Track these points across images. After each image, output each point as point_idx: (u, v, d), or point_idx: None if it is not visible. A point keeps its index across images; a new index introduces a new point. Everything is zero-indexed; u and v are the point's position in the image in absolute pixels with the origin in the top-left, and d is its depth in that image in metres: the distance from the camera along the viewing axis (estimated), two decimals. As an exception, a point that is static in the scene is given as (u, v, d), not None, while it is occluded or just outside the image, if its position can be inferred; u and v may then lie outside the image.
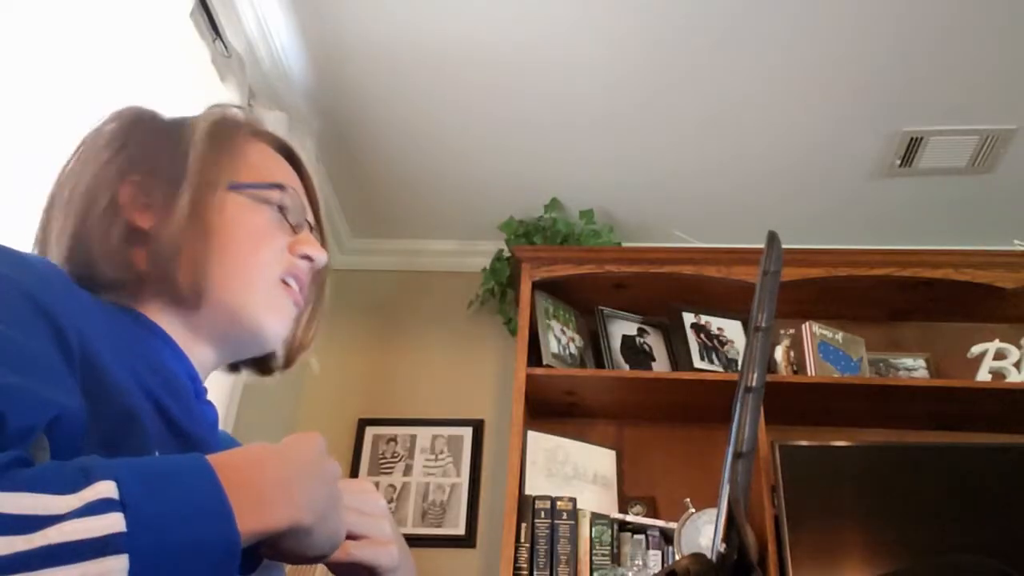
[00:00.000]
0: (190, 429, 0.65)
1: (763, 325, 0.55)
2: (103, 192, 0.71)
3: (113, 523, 0.42)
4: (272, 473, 0.51)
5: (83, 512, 0.42)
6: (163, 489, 0.46)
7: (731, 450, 0.51)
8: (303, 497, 0.52)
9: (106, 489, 0.43)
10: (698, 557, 0.54)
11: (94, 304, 0.65)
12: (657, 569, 2.04)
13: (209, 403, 0.75)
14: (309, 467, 0.55)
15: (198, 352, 0.73)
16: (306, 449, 0.56)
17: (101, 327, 0.60)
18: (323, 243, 0.84)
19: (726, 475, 0.50)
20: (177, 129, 0.76)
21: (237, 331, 0.73)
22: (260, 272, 0.74)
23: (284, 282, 0.76)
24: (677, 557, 2.00)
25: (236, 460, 0.51)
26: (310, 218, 0.82)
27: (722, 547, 0.51)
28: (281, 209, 0.77)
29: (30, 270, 0.58)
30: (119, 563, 0.41)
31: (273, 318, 0.75)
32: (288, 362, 0.86)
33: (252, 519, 0.48)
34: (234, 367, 0.85)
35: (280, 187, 0.77)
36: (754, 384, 0.52)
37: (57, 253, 0.70)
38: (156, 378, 0.64)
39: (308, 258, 0.78)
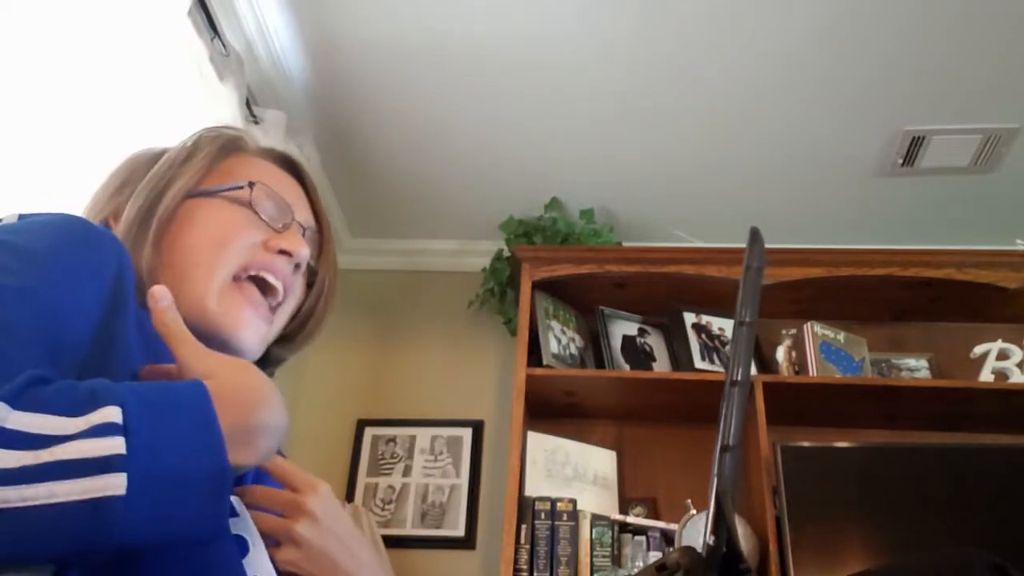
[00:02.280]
0: None
1: (747, 320, 0.54)
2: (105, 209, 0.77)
3: (115, 445, 0.45)
4: (258, 417, 0.54)
5: (89, 434, 0.45)
6: (164, 416, 0.49)
7: (718, 444, 0.50)
8: (271, 443, 0.56)
9: (112, 414, 0.47)
10: (688, 550, 0.54)
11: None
12: (657, 570, 2.03)
13: None
14: (278, 412, 0.57)
15: None
16: (271, 393, 0.58)
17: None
18: (324, 246, 0.84)
19: (714, 469, 0.50)
20: (166, 150, 0.80)
21: (198, 330, 0.71)
22: (222, 260, 0.73)
23: (244, 279, 0.74)
24: (677, 558, 1.99)
25: (234, 395, 0.54)
26: (301, 219, 0.81)
27: (711, 540, 0.50)
28: (256, 208, 0.76)
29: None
30: (118, 480, 0.45)
31: (229, 317, 0.72)
32: (279, 359, 0.85)
33: (237, 455, 0.52)
34: None
35: (250, 185, 0.76)
36: (739, 378, 0.52)
37: None
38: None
39: (286, 253, 0.76)
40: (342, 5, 1.97)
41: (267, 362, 0.83)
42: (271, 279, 0.75)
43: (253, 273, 0.74)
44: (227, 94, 1.86)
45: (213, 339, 0.71)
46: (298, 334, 0.84)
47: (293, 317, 0.82)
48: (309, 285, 0.83)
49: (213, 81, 1.82)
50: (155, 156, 0.79)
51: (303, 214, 0.82)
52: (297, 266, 0.77)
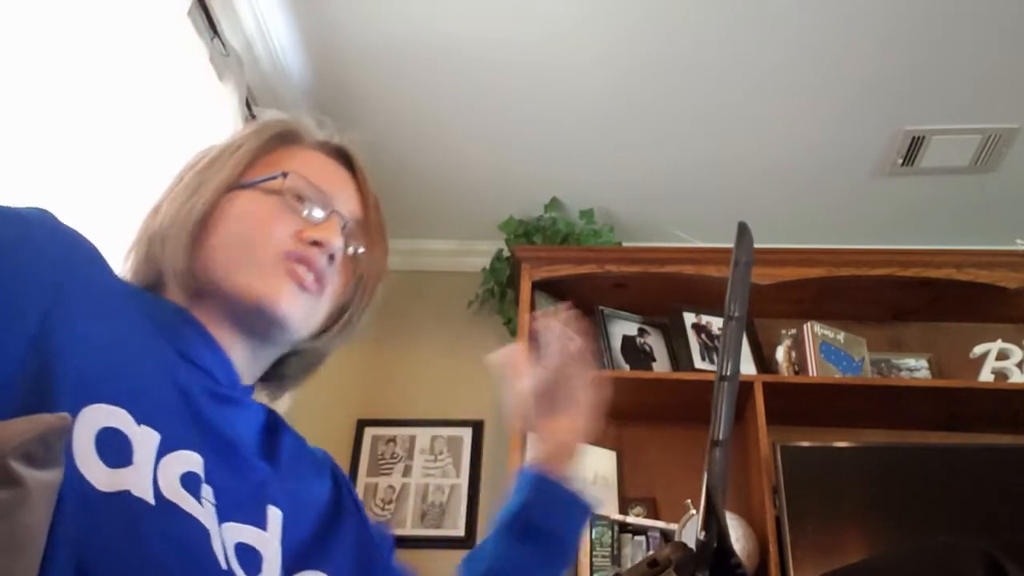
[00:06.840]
0: (214, 423, 0.66)
1: (736, 315, 0.54)
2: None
3: None
4: None
5: None
6: None
7: (708, 439, 0.51)
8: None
9: None
10: (679, 545, 0.54)
11: (128, 294, 0.67)
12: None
13: (244, 405, 0.73)
14: None
15: (232, 346, 0.73)
16: None
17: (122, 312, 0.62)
18: (372, 240, 0.82)
19: (705, 465, 0.50)
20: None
21: (241, 307, 0.71)
22: (256, 251, 0.72)
23: (289, 260, 0.73)
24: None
25: None
26: (344, 210, 0.79)
27: (702, 535, 0.50)
28: (297, 198, 0.75)
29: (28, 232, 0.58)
30: None
31: (271, 288, 0.71)
32: (317, 352, 0.86)
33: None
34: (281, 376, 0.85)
35: (283, 175, 0.75)
36: (729, 373, 0.52)
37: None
38: (184, 368, 0.66)
39: (318, 244, 0.74)
40: (342, 5, 1.97)
41: (305, 355, 0.84)
42: (302, 270, 0.74)
43: (296, 264, 0.73)
44: (227, 94, 1.87)
45: (254, 312, 0.71)
46: (333, 325, 0.82)
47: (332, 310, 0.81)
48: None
49: (213, 81, 1.83)
50: (212, 150, 0.80)
51: (348, 205, 0.80)
52: (331, 257, 0.75)
